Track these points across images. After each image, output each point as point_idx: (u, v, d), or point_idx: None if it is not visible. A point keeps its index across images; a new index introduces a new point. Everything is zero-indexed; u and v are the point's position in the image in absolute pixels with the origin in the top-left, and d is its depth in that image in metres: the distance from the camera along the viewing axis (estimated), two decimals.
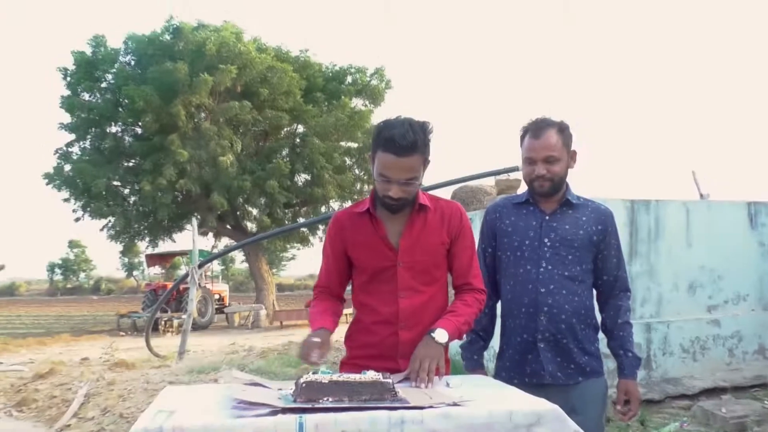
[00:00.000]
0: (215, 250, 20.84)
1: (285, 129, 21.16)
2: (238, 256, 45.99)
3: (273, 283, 22.53)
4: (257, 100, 18.97)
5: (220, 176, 18.18)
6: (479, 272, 2.09)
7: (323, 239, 2.19)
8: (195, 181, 18.28)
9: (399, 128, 1.83)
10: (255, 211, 21.29)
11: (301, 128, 21.12)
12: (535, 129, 2.18)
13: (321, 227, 21.61)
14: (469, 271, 2.04)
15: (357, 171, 21.59)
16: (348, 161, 21.44)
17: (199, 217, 19.80)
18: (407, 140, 1.82)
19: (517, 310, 2.21)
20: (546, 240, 2.19)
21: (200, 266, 9.34)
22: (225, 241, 24.01)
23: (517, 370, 2.21)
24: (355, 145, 21.04)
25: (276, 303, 21.98)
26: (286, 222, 20.55)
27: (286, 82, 18.95)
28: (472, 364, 2.30)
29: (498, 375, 2.24)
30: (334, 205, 21.39)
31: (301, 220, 21.40)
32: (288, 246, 26.59)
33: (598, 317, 2.29)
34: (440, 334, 1.86)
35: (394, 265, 1.97)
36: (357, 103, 21.45)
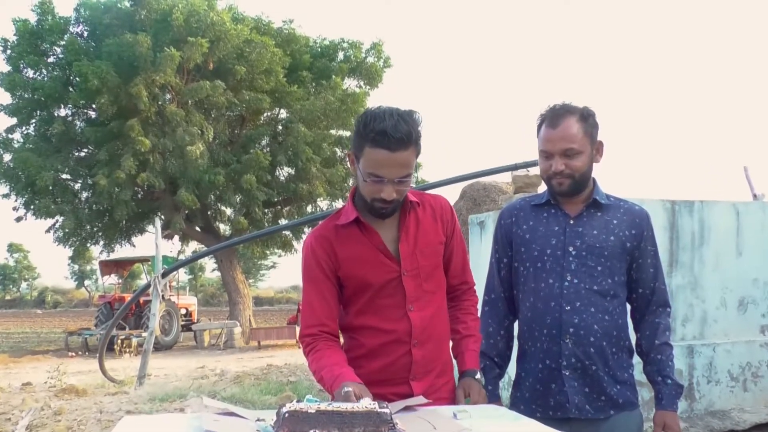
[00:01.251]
0: (182, 257, 20.79)
1: (265, 114, 21.13)
2: (209, 263, 46.04)
3: (249, 295, 22.50)
4: (232, 80, 18.97)
5: (189, 169, 18.18)
6: (469, 266, 2.23)
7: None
8: (159, 175, 18.28)
9: (389, 119, 1.85)
10: (229, 211, 21.29)
11: (284, 113, 21.10)
12: (552, 117, 2.19)
13: (306, 230, 21.59)
14: (465, 269, 2.19)
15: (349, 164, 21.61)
16: (339, 152, 21.42)
17: (163, 217, 19.76)
18: (401, 132, 1.84)
19: (538, 331, 2.21)
20: (571, 248, 2.20)
21: (164, 275, 9.34)
22: (193, 246, 24.05)
23: (538, 402, 2.21)
24: (347, 133, 21.02)
25: (253, 319, 21.96)
26: (266, 224, 20.52)
27: (267, 58, 18.95)
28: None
29: (514, 406, 2.24)
30: (323, 204, 21.38)
31: (284, 221, 21.39)
32: (268, 252, 26.51)
33: (633, 338, 2.30)
34: (478, 373, 2.11)
35: (399, 275, 2.02)
36: (350, 83, 21.46)
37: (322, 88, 20.14)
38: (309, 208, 21.39)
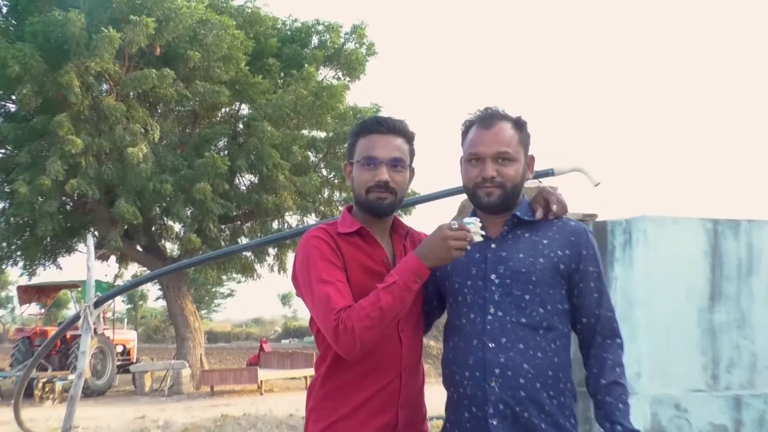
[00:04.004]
0: (120, 282, 20.63)
1: (223, 109, 21.12)
2: (153, 290, 45.70)
3: (201, 330, 22.35)
4: (184, 68, 18.94)
5: (129, 175, 18.05)
6: None
7: (292, 261, 2.50)
8: (92, 182, 18.12)
9: (380, 116, 2.40)
10: (178, 227, 21.19)
11: (245, 109, 21.10)
12: (485, 118, 2.39)
13: (272, 251, 21.55)
14: None
15: (325, 171, 21.61)
16: (312, 157, 21.42)
17: (97, 233, 19.62)
18: (393, 121, 2.44)
19: (460, 374, 2.33)
20: (493, 276, 2.33)
21: (97, 305, 9.19)
22: (134, 269, 23.84)
23: None
24: (322, 134, 21.05)
25: (205, 359, 21.85)
26: (223, 243, 20.43)
27: (226, 42, 18.94)
28: None
29: None
30: (291, 220, 21.36)
31: (244, 240, 21.30)
32: (224, 278, 26.41)
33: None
34: None
35: None
36: (326, 74, 21.52)
37: (292, 79, 20.15)
38: (275, 225, 21.33)
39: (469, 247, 2.20)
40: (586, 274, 2.36)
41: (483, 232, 2.24)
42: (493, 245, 2.36)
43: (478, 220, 2.25)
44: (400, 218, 2.63)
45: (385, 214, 2.45)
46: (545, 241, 2.35)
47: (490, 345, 2.26)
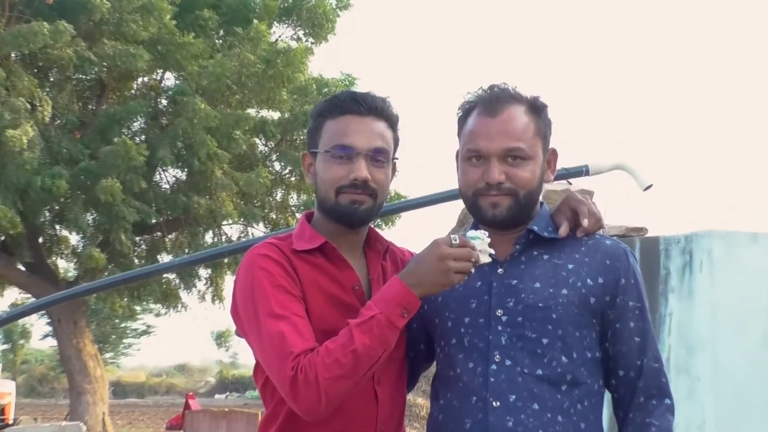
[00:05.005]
0: None
1: (140, 79, 21.03)
2: (39, 324, 45.27)
3: (105, 380, 22.24)
4: (87, 22, 18.88)
5: (8, 167, 17.93)
6: None
7: (232, 288, 2.50)
8: None
9: (357, 92, 2.45)
10: (75, 238, 21.08)
11: (171, 78, 21.05)
12: (490, 101, 2.36)
13: (204, 272, 21.45)
14: None
15: (278, 165, 21.59)
16: (261, 146, 21.39)
17: None
18: (373, 99, 2.44)
19: None
20: (499, 312, 2.32)
21: None
22: (13, 296, 23.65)
23: None
24: (275, 114, 21.02)
25: (109, 420, 21.73)
26: (137, 261, 20.35)
27: None
28: None
29: None
30: (231, 231, 21.29)
31: (167, 257, 21.21)
32: (138, 308, 26.10)
33: None
34: None
35: None
36: (282, 33, 21.53)
37: (235, 39, 20.14)
38: (209, 237, 21.26)
39: (473, 271, 2.19)
40: (625, 311, 2.34)
41: (492, 251, 2.23)
42: (499, 270, 2.35)
43: (486, 234, 2.24)
44: (378, 230, 2.62)
45: (360, 224, 2.45)
46: (571, 266, 2.34)
47: (494, 404, 2.25)
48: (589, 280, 2.32)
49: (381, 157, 2.41)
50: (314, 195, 2.51)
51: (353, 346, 2.14)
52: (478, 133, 2.33)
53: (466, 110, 2.41)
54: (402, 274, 2.24)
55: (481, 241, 2.21)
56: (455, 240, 2.18)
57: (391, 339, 2.19)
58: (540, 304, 2.28)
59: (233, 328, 2.60)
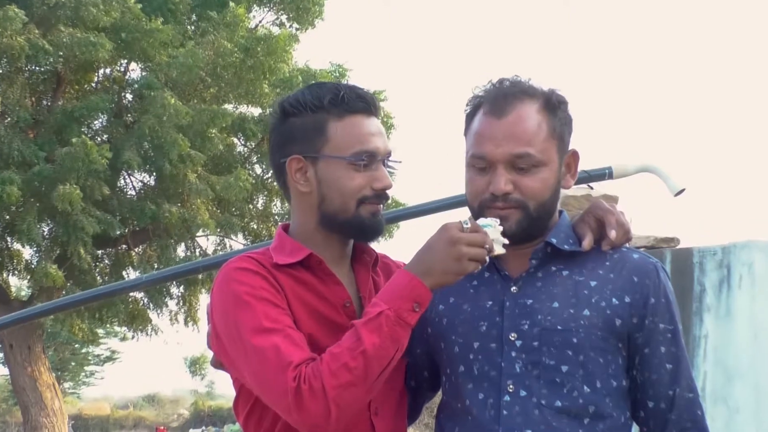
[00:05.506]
0: None
1: (102, 71, 21.03)
2: None
3: (64, 413, 22.20)
4: (41, 6, 18.91)
5: None
6: None
7: (207, 308, 2.54)
8: None
9: (340, 84, 2.55)
10: (28, 252, 21.10)
11: (137, 70, 21.06)
12: (497, 99, 2.35)
13: (177, 290, 21.44)
14: None
15: (259, 169, 21.58)
16: (240, 146, 21.41)
17: None
18: (373, 97, 2.53)
19: None
20: (513, 336, 2.33)
21: None
22: None
23: None
24: (256, 111, 21.02)
25: None
26: (99, 278, 20.35)
27: None
28: None
29: None
30: (207, 243, 21.30)
31: (133, 274, 21.21)
32: (101, 332, 26.06)
33: None
34: None
35: None
36: (263, 17, 21.59)
37: (209, 24, 20.17)
38: (181, 250, 21.26)
39: (488, 260, 2.20)
40: (655, 334, 2.34)
41: (506, 241, 2.25)
42: (513, 288, 2.35)
43: (498, 221, 2.26)
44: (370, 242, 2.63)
45: (379, 236, 2.52)
46: (593, 283, 2.34)
47: None
48: (614, 300, 2.31)
49: (391, 161, 2.49)
50: (319, 206, 2.49)
51: (362, 347, 2.15)
52: (482, 136, 2.33)
53: (473, 107, 2.41)
54: (409, 265, 2.25)
55: (493, 228, 2.23)
56: (467, 224, 2.19)
57: (403, 338, 2.19)
58: (559, 327, 2.28)
59: (209, 354, 2.58)
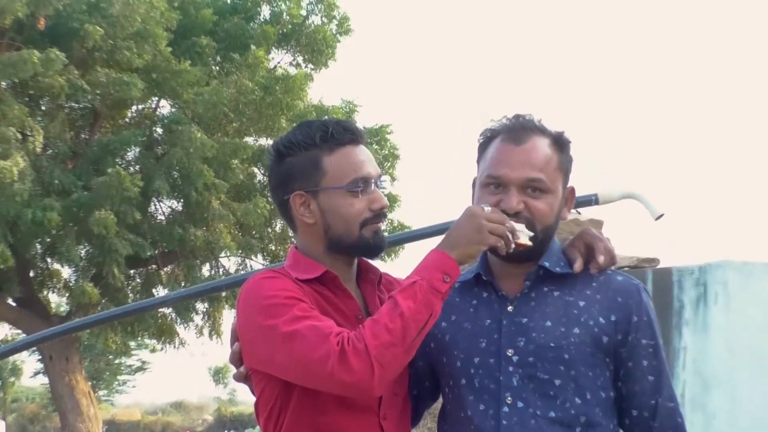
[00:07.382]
0: None
1: (135, 108, 21.05)
2: (30, 361, 45.05)
3: (99, 419, 22.12)
4: (80, 49, 18.93)
5: None
6: None
7: (232, 320, 2.59)
8: None
9: (328, 120, 2.59)
10: (67, 272, 21.06)
11: (167, 107, 21.06)
12: (514, 130, 2.40)
13: (201, 306, 21.38)
14: None
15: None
16: (260, 175, 21.37)
17: None
18: (357, 127, 2.59)
19: None
20: (510, 352, 2.34)
21: None
22: (2, 332, 23.58)
23: None
24: None
25: None
26: (131, 295, 20.31)
27: (140, 13, 18.96)
28: None
29: None
30: (229, 263, 21.25)
31: (162, 291, 21.16)
32: (133, 344, 26.01)
33: None
34: None
35: None
36: (281, 59, 21.57)
37: (232, 65, 20.20)
38: (206, 270, 21.22)
39: (513, 246, 2.25)
40: (637, 349, 2.36)
41: (531, 233, 2.30)
42: (509, 308, 2.36)
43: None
44: (374, 262, 2.67)
45: (382, 251, 2.59)
46: (582, 303, 2.35)
47: None
48: (601, 318, 2.34)
49: (382, 182, 2.57)
50: (327, 231, 2.52)
51: (399, 309, 2.19)
52: (500, 159, 2.36)
53: (488, 137, 2.44)
54: (439, 244, 2.32)
55: (517, 223, 2.27)
56: (487, 208, 2.26)
57: (436, 305, 2.22)
58: (551, 344, 2.30)
59: (232, 367, 2.58)
